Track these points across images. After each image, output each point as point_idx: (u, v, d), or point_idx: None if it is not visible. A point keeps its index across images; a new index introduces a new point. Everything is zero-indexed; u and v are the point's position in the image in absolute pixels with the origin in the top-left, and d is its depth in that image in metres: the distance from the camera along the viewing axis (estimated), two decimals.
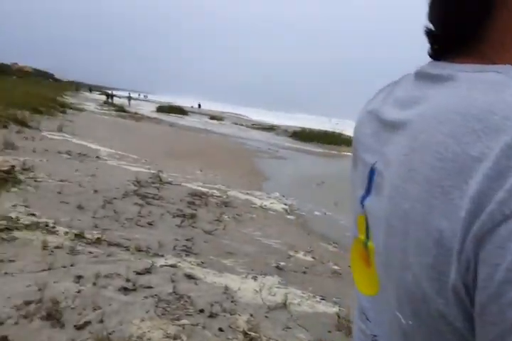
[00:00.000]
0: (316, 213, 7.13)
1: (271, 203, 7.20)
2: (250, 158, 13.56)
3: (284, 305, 3.21)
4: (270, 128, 34.36)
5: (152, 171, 8.09)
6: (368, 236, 0.52)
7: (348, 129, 28.40)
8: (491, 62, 0.42)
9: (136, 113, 29.54)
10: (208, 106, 68.53)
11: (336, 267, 4.53)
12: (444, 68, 0.45)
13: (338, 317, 3.14)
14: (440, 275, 0.36)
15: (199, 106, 58.52)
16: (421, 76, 0.48)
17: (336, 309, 3.37)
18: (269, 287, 3.57)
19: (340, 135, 27.03)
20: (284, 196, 7.98)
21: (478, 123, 0.35)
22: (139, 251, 3.91)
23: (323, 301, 3.49)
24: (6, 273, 2.98)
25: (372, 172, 0.50)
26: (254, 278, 3.75)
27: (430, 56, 0.50)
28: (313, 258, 4.72)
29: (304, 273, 4.19)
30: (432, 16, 0.48)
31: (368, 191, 0.51)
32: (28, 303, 2.60)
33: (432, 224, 0.37)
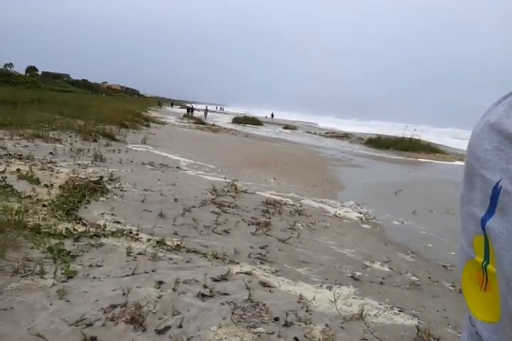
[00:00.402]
0: (393, 222, 6.87)
1: (345, 212, 7.06)
2: (324, 166, 13.44)
3: (361, 316, 3.13)
4: (344, 136, 33.83)
5: (228, 180, 8.30)
6: (487, 259, 0.48)
7: (423, 135, 27.06)
8: None
9: (213, 125, 30.55)
10: (280, 115, 69.00)
11: (414, 278, 4.33)
12: None
13: (418, 330, 3.01)
14: None
15: (272, 115, 59.17)
16: None
17: (415, 322, 3.22)
18: (344, 297, 3.50)
19: (418, 141, 25.87)
20: (359, 204, 7.80)
21: None
22: (216, 258, 4.03)
23: (401, 313, 3.35)
24: (94, 277, 3.21)
25: (495, 191, 0.46)
26: (329, 288, 3.70)
27: None
28: (390, 268, 4.55)
29: (381, 283, 4.05)
30: None
31: (492, 211, 0.46)
32: (113, 307, 2.78)
33: None
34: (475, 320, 0.51)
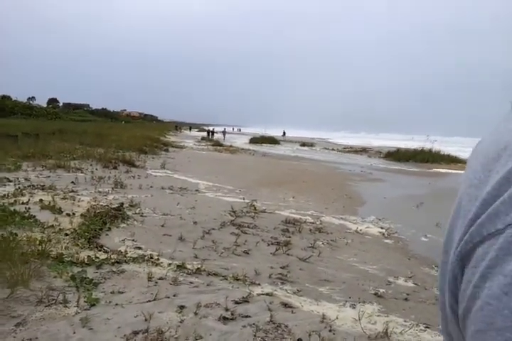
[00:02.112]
0: (416, 236, 6.74)
1: (366, 227, 6.97)
2: (343, 182, 13.35)
3: (386, 334, 3.07)
4: (362, 151, 33.62)
5: (247, 201, 8.31)
6: None
7: (437, 146, 26.59)
8: None
9: (230, 146, 30.80)
10: (292, 133, 69.46)
11: None
12: None
13: None
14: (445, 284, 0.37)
15: (284, 133, 59.29)
16: None
17: (441, 338, 3.13)
18: (368, 315, 3.44)
19: (438, 152, 25.48)
20: (380, 219, 7.69)
21: None
22: (237, 280, 4.02)
23: (427, 330, 3.27)
24: (116, 304, 3.24)
25: None
26: (353, 306, 3.64)
27: None
28: (414, 284, 4.45)
29: (406, 300, 3.96)
30: None
31: None
32: (136, 333, 2.79)
33: (452, 236, 0.38)
34: None
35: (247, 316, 3.21)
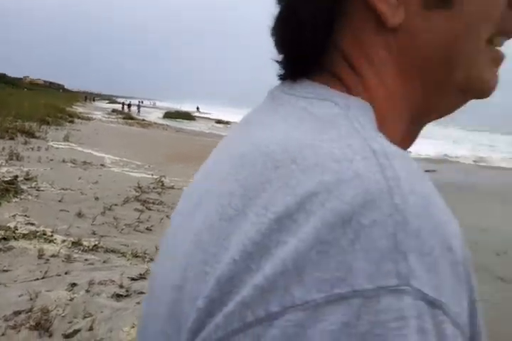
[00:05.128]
0: None
1: None
2: None
3: None
4: None
5: (155, 176, 8.12)
6: None
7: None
8: (341, 83, 0.34)
9: (143, 120, 29.82)
10: (207, 109, 69.04)
11: None
12: (284, 89, 0.36)
13: None
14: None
15: (197, 109, 58.85)
16: (270, 95, 0.38)
17: None
18: None
19: None
20: None
21: (274, 172, 0.27)
22: (136, 256, 3.93)
23: None
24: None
25: None
26: None
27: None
28: None
29: None
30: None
31: None
32: (17, 313, 2.62)
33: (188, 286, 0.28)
34: None
35: (142, 292, 3.15)
